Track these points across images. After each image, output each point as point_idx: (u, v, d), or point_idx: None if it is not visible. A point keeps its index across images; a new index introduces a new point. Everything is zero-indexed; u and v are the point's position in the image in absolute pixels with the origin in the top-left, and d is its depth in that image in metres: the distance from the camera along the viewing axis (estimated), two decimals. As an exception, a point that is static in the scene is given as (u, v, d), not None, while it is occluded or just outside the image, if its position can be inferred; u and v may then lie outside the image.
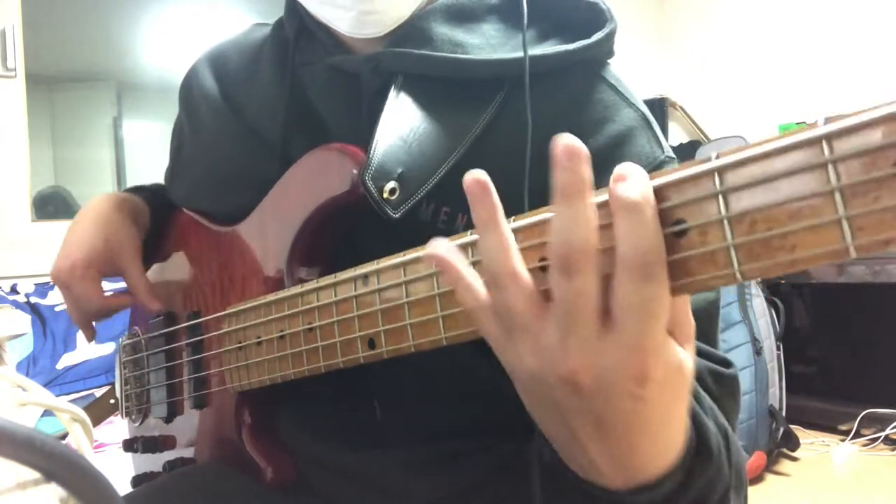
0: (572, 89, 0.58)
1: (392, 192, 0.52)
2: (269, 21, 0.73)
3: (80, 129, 3.06)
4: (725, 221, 0.29)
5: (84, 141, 3.11)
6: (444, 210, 0.56)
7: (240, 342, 0.60)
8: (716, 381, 0.50)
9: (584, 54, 0.58)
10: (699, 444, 0.40)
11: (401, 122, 0.55)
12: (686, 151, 3.08)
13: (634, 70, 2.92)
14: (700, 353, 0.50)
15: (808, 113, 2.84)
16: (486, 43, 0.59)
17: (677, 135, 3.33)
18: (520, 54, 0.57)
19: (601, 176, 0.45)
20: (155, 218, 0.79)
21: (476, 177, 0.34)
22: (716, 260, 0.30)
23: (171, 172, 0.79)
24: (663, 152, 0.58)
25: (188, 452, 0.73)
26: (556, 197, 0.32)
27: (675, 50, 3.44)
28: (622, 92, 0.60)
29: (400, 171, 0.53)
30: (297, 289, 0.54)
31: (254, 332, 0.59)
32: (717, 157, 0.30)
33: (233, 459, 0.64)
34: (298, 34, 0.66)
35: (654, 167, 0.56)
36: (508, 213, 0.37)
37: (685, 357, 0.34)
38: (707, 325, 0.54)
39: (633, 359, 0.31)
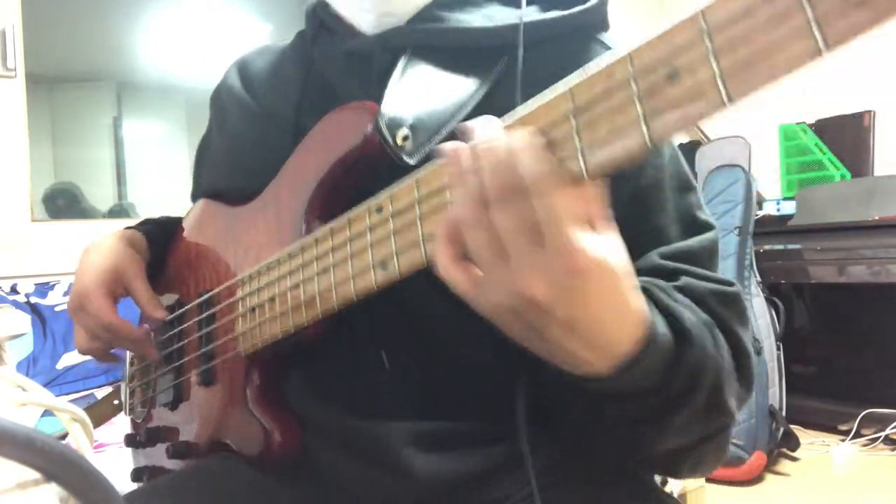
0: (567, 52, 0.60)
1: (405, 138, 0.54)
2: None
3: (80, 129, 3.06)
4: (711, 55, 0.32)
5: (84, 141, 3.11)
6: None
7: (253, 306, 0.61)
8: (720, 302, 0.54)
9: (580, 19, 0.61)
10: (675, 328, 0.46)
11: (410, 82, 0.59)
12: (686, 151, 3.08)
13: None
14: (702, 278, 0.55)
15: (809, 113, 2.84)
16: (489, 21, 0.63)
17: (677, 135, 3.33)
18: (517, 21, 0.60)
19: None
20: (153, 244, 0.82)
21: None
22: (705, 92, 0.33)
23: (197, 172, 0.85)
24: None
25: (192, 436, 0.72)
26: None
27: (675, 50, 3.44)
28: None
29: (411, 121, 0.55)
30: (312, 235, 0.55)
31: (267, 292, 0.60)
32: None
33: (238, 435, 0.64)
34: (317, 34, 0.71)
35: None
36: None
37: (608, 240, 0.39)
38: (708, 261, 0.58)
39: (564, 259, 0.37)
